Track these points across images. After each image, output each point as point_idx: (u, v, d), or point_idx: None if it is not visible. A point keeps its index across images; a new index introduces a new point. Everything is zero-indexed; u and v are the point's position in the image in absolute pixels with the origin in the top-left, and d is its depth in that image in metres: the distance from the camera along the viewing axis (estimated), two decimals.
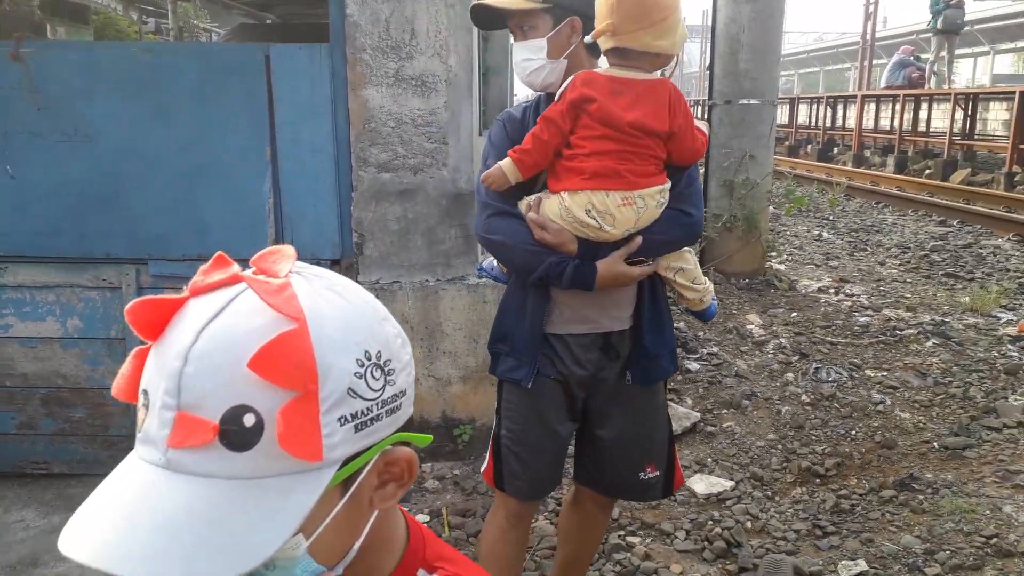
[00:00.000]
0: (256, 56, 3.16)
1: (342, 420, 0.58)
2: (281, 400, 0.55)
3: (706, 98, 6.49)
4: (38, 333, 3.18)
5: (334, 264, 3.35)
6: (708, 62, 6.60)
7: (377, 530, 0.68)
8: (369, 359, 0.60)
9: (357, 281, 3.25)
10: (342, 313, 0.60)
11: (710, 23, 6.25)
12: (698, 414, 3.72)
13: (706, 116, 6.46)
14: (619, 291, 1.90)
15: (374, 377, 0.60)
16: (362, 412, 0.59)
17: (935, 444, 3.35)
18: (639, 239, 1.83)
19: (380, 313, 0.64)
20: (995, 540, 2.60)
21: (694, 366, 4.30)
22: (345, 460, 0.59)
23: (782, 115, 20.25)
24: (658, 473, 2.05)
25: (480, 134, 3.75)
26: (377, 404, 0.60)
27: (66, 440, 3.27)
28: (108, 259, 3.17)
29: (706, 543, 2.78)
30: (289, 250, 0.63)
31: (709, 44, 6.32)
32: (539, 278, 1.84)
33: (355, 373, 0.58)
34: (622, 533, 2.85)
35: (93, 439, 3.27)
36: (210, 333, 0.56)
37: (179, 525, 0.54)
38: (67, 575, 2.62)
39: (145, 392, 0.58)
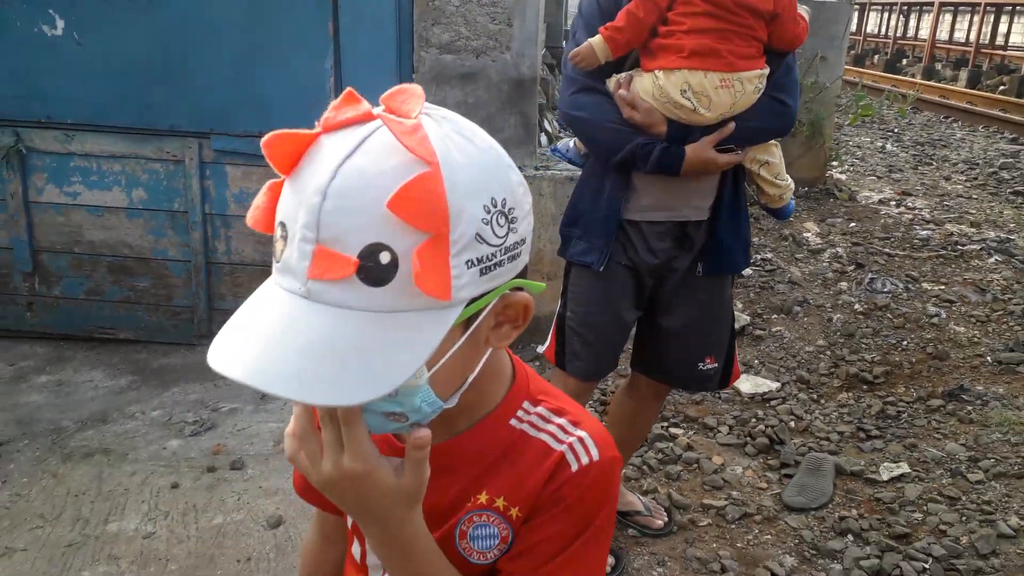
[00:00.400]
0: None
1: (469, 263, 0.60)
2: (415, 241, 0.57)
3: None
4: (104, 202, 3.26)
5: None
6: None
7: (488, 366, 0.72)
8: (495, 206, 0.61)
9: None
10: (472, 159, 0.61)
11: None
12: (748, 317, 3.72)
13: None
14: (701, 179, 1.86)
15: (499, 224, 0.61)
16: (487, 257, 0.61)
17: (988, 359, 3.31)
18: (732, 125, 1.77)
19: (506, 160, 0.65)
20: None
21: (747, 271, 4.27)
22: (469, 301, 0.62)
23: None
24: (716, 365, 2.07)
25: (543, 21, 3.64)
26: (501, 250, 0.62)
27: (131, 308, 3.40)
28: (172, 132, 3.20)
29: (748, 439, 2.83)
30: (418, 89, 0.63)
31: None
32: (623, 160, 1.81)
33: (482, 219, 0.60)
34: (665, 424, 2.91)
35: (156, 308, 3.39)
36: (347, 171, 0.57)
37: (323, 351, 0.57)
38: (134, 432, 2.77)
39: (283, 224, 0.60)
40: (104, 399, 2.98)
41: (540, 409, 0.78)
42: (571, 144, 2.12)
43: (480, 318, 0.65)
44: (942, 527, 2.34)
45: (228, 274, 3.34)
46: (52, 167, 3.22)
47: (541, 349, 2.12)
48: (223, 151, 3.23)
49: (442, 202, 0.57)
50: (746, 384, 3.23)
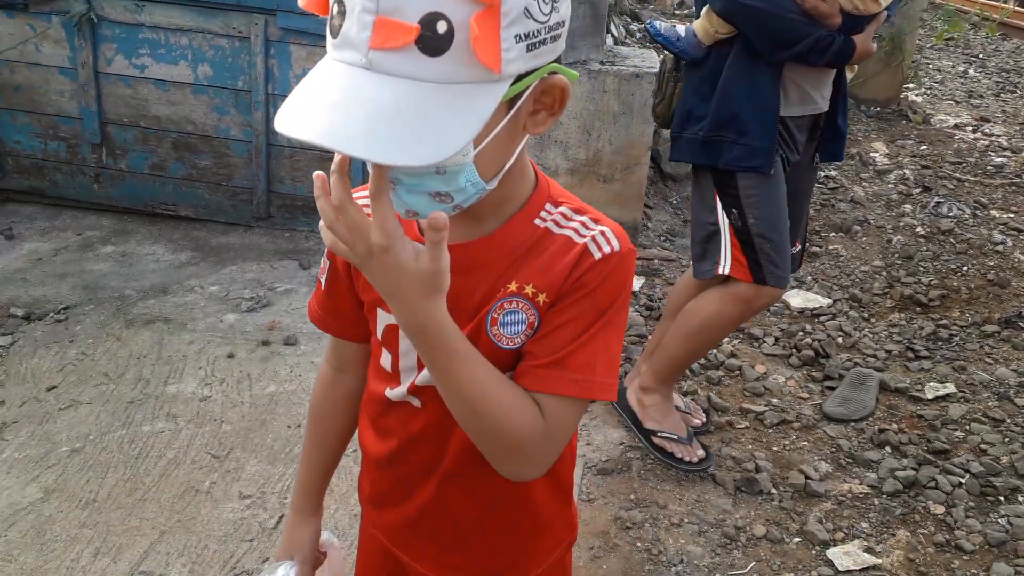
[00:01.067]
0: None
1: (518, 38, 0.62)
2: (471, 11, 0.59)
3: None
4: (171, 76, 3.30)
5: None
6: None
7: (517, 165, 0.76)
8: None
9: None
10: None
11: None
12: None
13: None
14: (830, 72, 1.97)
15: (544, 2, 0.64)
16: (533, 33, 0.64)
17: None
18: (885, 12, 1.87)
19: None
20: None
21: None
22: (516, 78, 0.65)
23: None
24: (800, 248, 2.23)
25: None
26: (545, 28, 0.65)
27: (193, 185, 3.47)
28: (239, 6, 3.18)
29: (794, 351, 2.83)
30: None
31: None
32: (799, 52, 1.84)
33: None
34: None
35: (217, 187, 3.47)
36: None
37: (388, 116, 0.60)
38: (193, 304, 2.88)
39: (340, 0, 0.62)
40: (165, 272, 3.10)
41: (562, 209, 0.83)
42: (684, 31, 2.06)
43: (523, 99, 0.69)
44: (983, 446, 2.33)
45: (288, 157, 3.38)
46: (121, 37, 3.26)
47: (724, 269, 2.02)
48: (288, 29, 3.21)
49: None
50: (796, 299, 3.21)
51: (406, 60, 0.60)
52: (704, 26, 1.92)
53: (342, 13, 0.61)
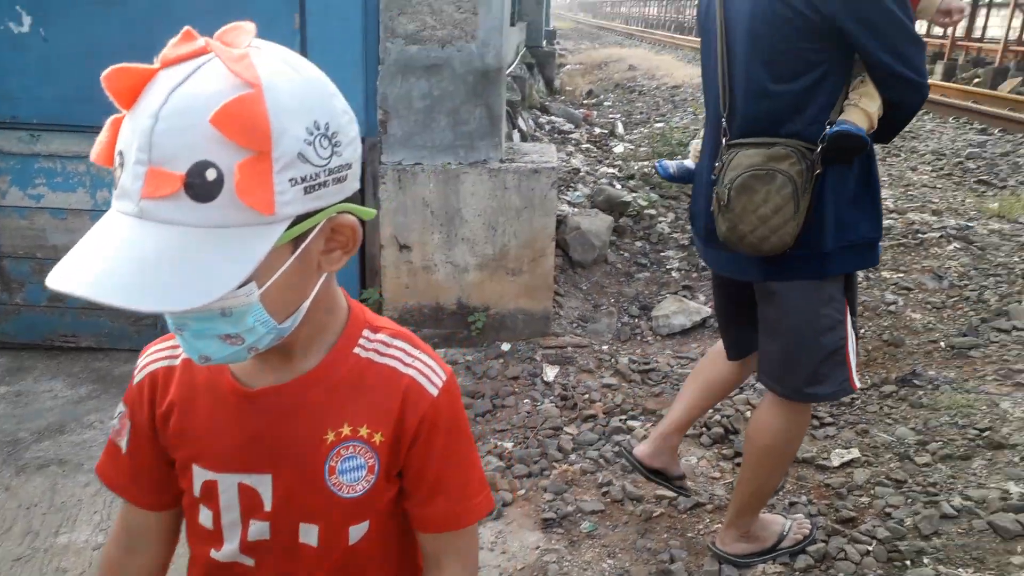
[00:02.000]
0: None
1: (293, 181, 0.64)
2: (240, 157, 0.62)
3: None
4: (68, 204, 3.28)
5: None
6: None
7: (324, 297, 0.77)
8: (318, 129, 0.66)
9: (380, 162, 3.33)
10: (295, 84, 0.66)
11: None
12: (709, 310, 3.78)
13: None
14: None
15: (322, 146, 0.65)
16: (311, 176, 0.65)
17: (942, 344, 3.39)
18: None
19: (330, 89, 0.70)
20: (987, 433, 2.67)
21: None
22: (296, 220, 0.67)
23: None
24: None
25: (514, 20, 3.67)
26: (324, 171, 0.66)
27: (93, 314, 3.40)
28: None
29: (704, 429, 2.89)
30: (249, 26, 0.69)
31: None
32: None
33: (305, 140, 0.64)
34: (624, 417, 2.96)
35: (119, 314, 3.40)
36: (178, 95, 0.63)
37: (152, 264, 0.62)
38: (91, 441, 2.77)
39: (121, 153, 0.66)
40: (63, 409, 2.99)
41: (381, 336, 0.85)
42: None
43: (309, 238, 0.70)
44: (887, 510, 2.40)
45: None
46: (16, 169, 3.23)
47: (858, 383, 1.97)
48: None
49: (264, 121, 0.62)
50: None
51: (176, 207, 0.62)
52: (866, 112, 1.72)
53: (121, 165, 0.65)
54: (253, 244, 0.64)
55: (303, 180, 0.65)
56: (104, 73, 0.65)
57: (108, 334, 3.42)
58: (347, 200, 0.72)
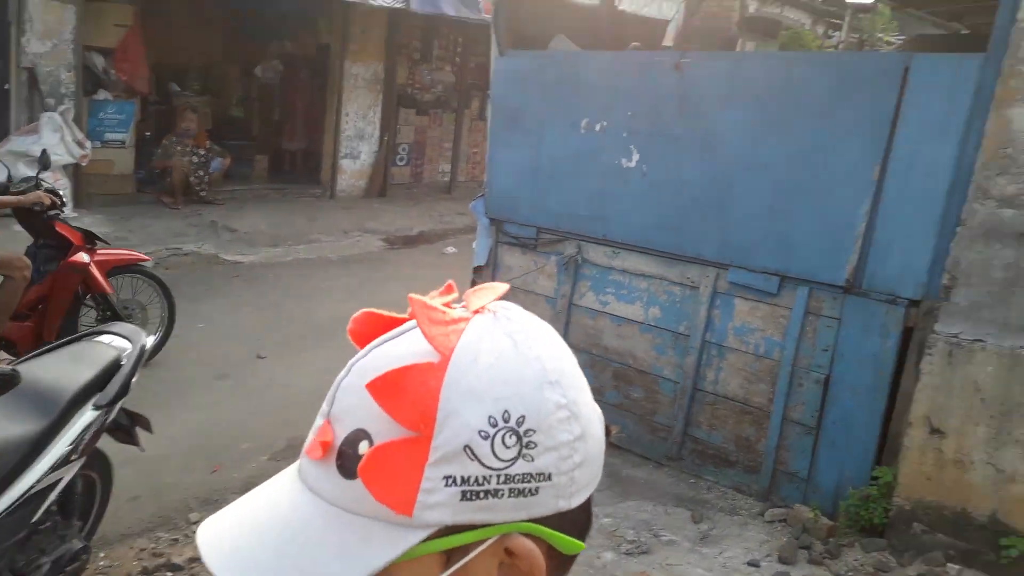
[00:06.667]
0: (893, 67, 3.04)
1: (449, 480, 0.50)
2: (395, 435, 0.51)
3: None
4: (626, 314, 3.73)
5: (912, 305, 3.05)
6: None
7: None
8: (506, 421, 0.51)
9: (933, 331, 2.93)
10: (499, 362, 0.53)
11: None
12: None
13: None
14: None
15: (505, 444, 0.51)
16: (476, 479, 0.51)
17: None
18: None
19: (548, 377, 0.54)
20: None
21: None
22: (449, 529, 0.52)
23: None
24: None
25: None
26: (499, 476, 0.51)
27: (622, 413, 3.76)
28: (696, 259, 3.49)
29: None
30: (499, 287, 0.59)
31: None
32: None
33: (480, 431, 0.51)
34: None
35: (641, 419, 3.70)
36: (379, 350, 0.55)
37: (276, 533, 0.54)
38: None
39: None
40: None
41: None
42: None
43: (468, 556, 0.53)
44: None
45: (710, 403, 3.46)
46: (596, 276, 3.83)
47: None
48: (737, 283, 3.38)
49: (432, 398, 0.50)
50: None
51: (323, 476, 0.53)
52: None
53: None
54: (377, 545, 0.51)
55: (463, 481, 0.50)
56: (354, 315, 0.59)
57: (628, 435, 3.75)
58: (544, 523, 0.54)
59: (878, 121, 3.03)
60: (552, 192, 3.95)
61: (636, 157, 3.66)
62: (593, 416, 0.57)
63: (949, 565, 2.80)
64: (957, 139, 2.88)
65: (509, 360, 0.53)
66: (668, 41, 6.78)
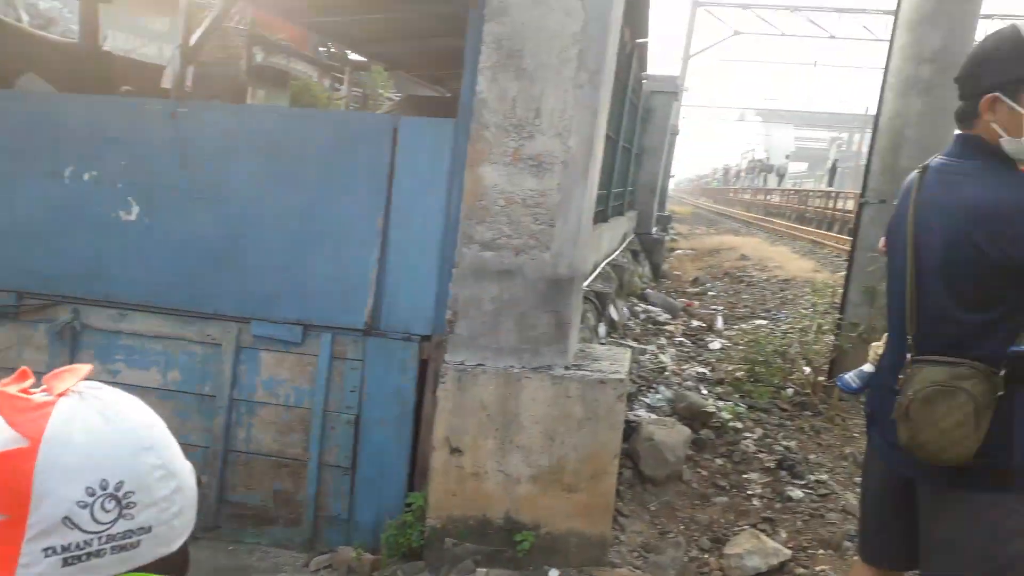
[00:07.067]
0: (385, 127, 3.33)
1: (48, 551, 0.56)
2: None
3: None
4: (141, 381, 3.40)
5: (425, 340, 3.38)
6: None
7: None
8: (104, 488, 0.58)
9: (444, 361, 3.30)
10: (93, 439, 0.59)
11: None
12: (789, 551, 3.39)
13: (855, 216, 6.06)
14: None
15: (104, 509, 0.58)
16: (78, 544, 0.57)
17: None
18: None
19: (143, 444, 0.62)
20: None
21: (797, 493, 3.94)
22: None
23: None
24: None
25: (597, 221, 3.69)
26: (100, 538, 0.58)
27: None
28: (216, 315, 3.34)
29: None
30: (81, 369, 0.65)
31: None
32: None
33: (79, 502, 0.57)
34: None
35: None
36: None
37: None
38: None
39: None
40: None
41: None
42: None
43: None
44: None
45: (244, 463, 3.35)
46: (101, 344, 3.41)
47: None
48: (261, 336, 3.34)
49: (26, 480, 0.55)
50: None
51: None
52: None
53: None
54: None
55: (64, 549, 0.56)
56: None
57: None
58: (147, 569, 0.62)
59: (377, 175, 3.30)
60: (36, 251, 3.41)
61: (136, 210, 3.38)
62: (186, 470, 0.67)
63: (479, 570, 3.14)
64: (444, 192, 3.29)
65: (103, 435, 0.60)
66: (167, 83, 6.45)
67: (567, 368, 3.37)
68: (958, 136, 1.92)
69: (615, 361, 3.58)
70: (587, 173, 3.24)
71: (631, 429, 4.16)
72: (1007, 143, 1.80)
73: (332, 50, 13.67)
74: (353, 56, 11.90)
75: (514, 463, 3.30)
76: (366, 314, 3.34)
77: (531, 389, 3.28)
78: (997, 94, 1.79)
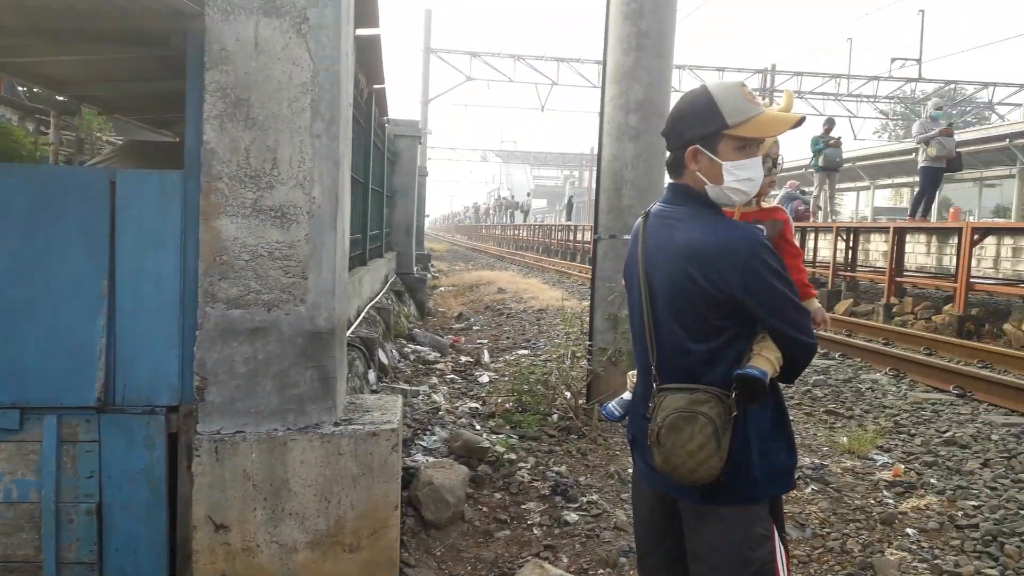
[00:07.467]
0: (100, 181, 2.99)
1: None
2: None
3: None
4: None
5: (172, 411, 3.05)
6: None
7: None
8: None
9: (196, 432, 2.98)
10: None
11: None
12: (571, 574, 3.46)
13: (591, 250, 6.49)
14: None
15: None
16: None
17: None
18: None
19: None
20: None
21: (573, 516, 4.06)
22: None
23: None
24: None
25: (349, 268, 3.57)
26: None
27: None
28: None
29: None
30: None
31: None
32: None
33: None
34: None
35: None
36: None
37: None
38: None
39: None
40: None
41: None
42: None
43: None
44: None
45: None
46: None
47: None
48: None
49: None
50: None
51: None
52: (768, 359, 2.00)
53: None
54: None
55: None
56: None
57: None
58: None
59: (96, 234, 2.95)
60: None
61: None
62: None
63: None
64: (177, 248, 3.01)
65: None
66: None
67: (337, 424, 3.20)
68: (670, 185, 2.12)
69: (386, 411, 3.47)
70: (336, 221, 3.13)
71: (410, 476, 4.06)
72: (711, 190, 2.02)
73: (35, 90, 12.22)
74: (62, 97, 10.70)
75: (288, 531, 3.06)
76: (97, 389, 2.94)
77: (299, 451, 3.07)
78: (697, 146, 2.00)
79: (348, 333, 5.75)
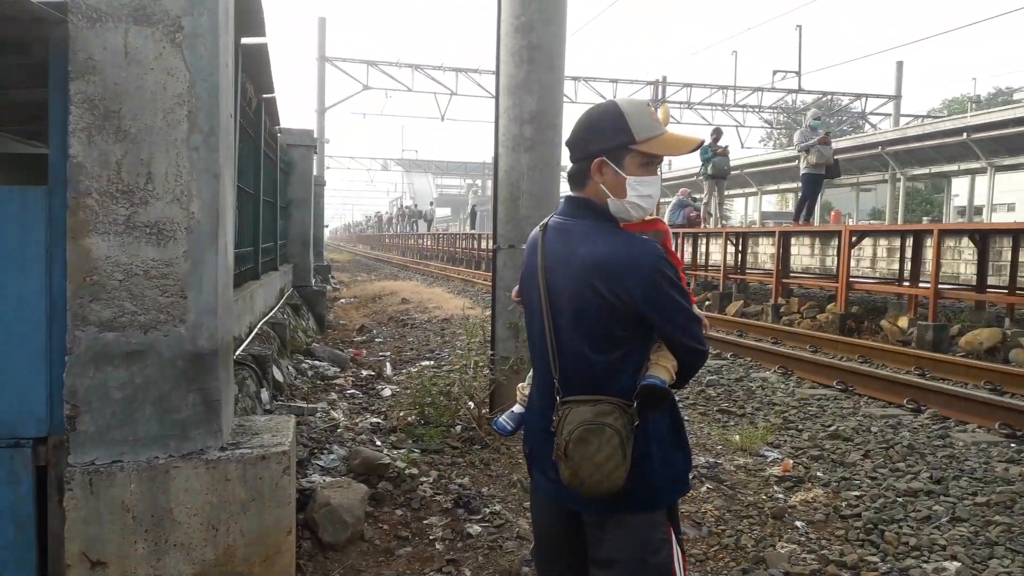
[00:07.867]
0: None
1: None
2: None
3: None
4: None
5: (40, 443, 2.84)
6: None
7: None
8: None
9: (68, 464, 2.78)
10: None
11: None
12: None
13: (492, 259, 6.51)
14: None
15: None
16: None
17: None
18: None
19: None
20: None
21: (476, 528, 4.03)
22: None
23: None
24: None
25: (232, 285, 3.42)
26: None
27: None
28: None
29: None
30: None
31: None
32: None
33: None
34: None
35: None
36: None
37: None
38: None
39: None
40: None
41: None
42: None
43: None
44: None
45: None
46: None
47: None
48: None
49: None
50: None
51: None
52: (666, 367, 2.03)
53: None
54: None
55: None
56: None
57: None
58: None
59: None
60: None
61: None
62: None
63: None
64: (42, 268, 2.82)
65: None
66: None
67: (223, 449, 3.06)
68: (569, 198, 2.13)
69: (277, 432, 3.34)
70: (217, 236, 3.00)
71: (306, 498, 3.93)
72: (612, 204, 2.05)
73: None
74: None
75: (173, 564, 2.90)
76: None
77: (183, 479, 2.92)
78: (604, 158, 2.02)
79: (239, 351, 5.54)
